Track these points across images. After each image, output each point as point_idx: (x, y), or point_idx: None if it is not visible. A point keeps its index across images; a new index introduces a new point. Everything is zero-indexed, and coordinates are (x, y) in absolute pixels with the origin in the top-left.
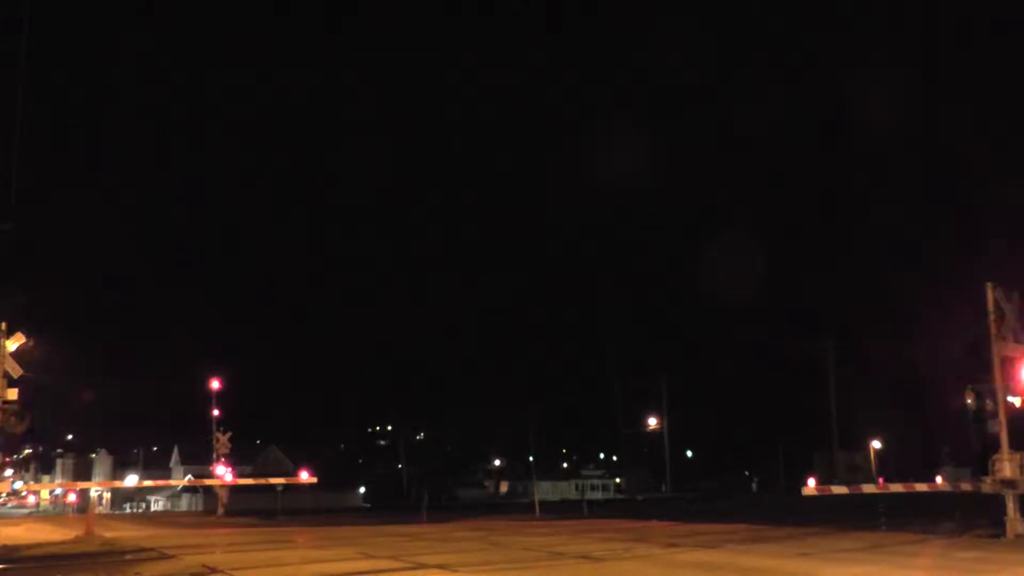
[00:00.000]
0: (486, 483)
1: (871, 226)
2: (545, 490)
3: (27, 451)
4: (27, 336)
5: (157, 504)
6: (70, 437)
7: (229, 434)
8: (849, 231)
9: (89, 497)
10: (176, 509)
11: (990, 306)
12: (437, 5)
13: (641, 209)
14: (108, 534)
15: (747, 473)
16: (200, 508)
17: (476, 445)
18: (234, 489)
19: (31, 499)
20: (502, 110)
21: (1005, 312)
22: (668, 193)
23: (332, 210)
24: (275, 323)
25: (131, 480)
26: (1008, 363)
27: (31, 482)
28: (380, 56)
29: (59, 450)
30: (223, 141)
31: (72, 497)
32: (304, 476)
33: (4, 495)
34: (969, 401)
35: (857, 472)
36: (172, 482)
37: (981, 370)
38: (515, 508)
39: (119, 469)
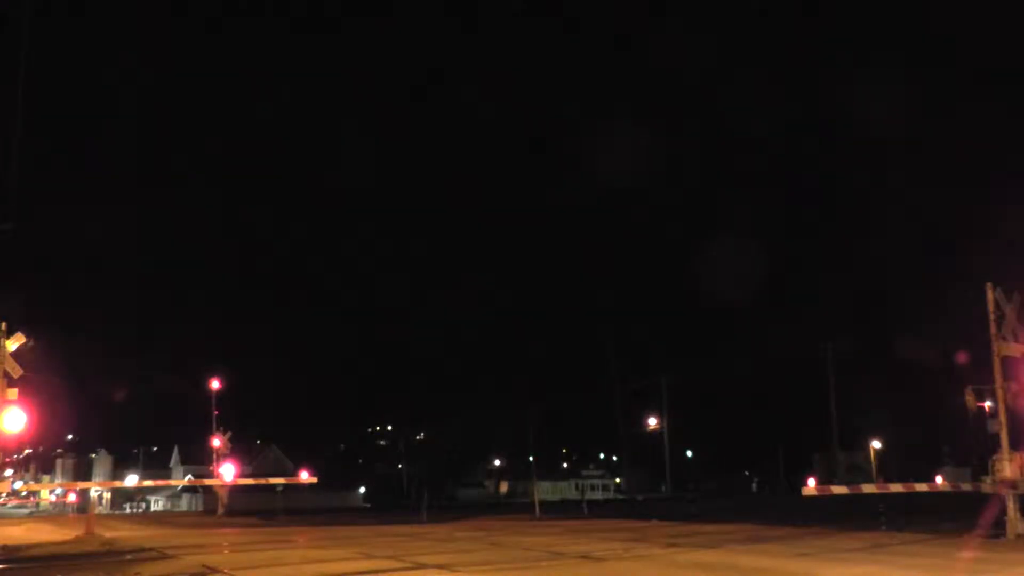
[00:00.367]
0: (486, 483)
1: (871, 226)
2: (545, 490)
3: (27, 451)
4: (27, 336)
5: (157, 504)
6: (70, 437)
7: (229, 434)
8: (849, 231)
9: (89, 497)
10: (176, 509)
11: (990, 306)
12: (437, 5)
13: (641, 209)
14: (108, 534)
15: (747, 473)
16: (200, 508)
17: (476, 445)
18: (234, 489)
19: (31, 499)
20: (502, 110)
21: (1005, 312)
22: (668, 193)
23: (332, 210)
24: (275, 323)
25: (131, 480)
26: (1008, 363)
27: (31, 482)
28: (380, 56)
29: (59, 450)
30: (223, 141)
31: (72, 497)
32: (304, 476)
33: (4, 495)
34: (969, 401)
35: (857, 472)
36: (172, 482)
37: (981, 370)
38: (515, 508)
39: (119, 469)
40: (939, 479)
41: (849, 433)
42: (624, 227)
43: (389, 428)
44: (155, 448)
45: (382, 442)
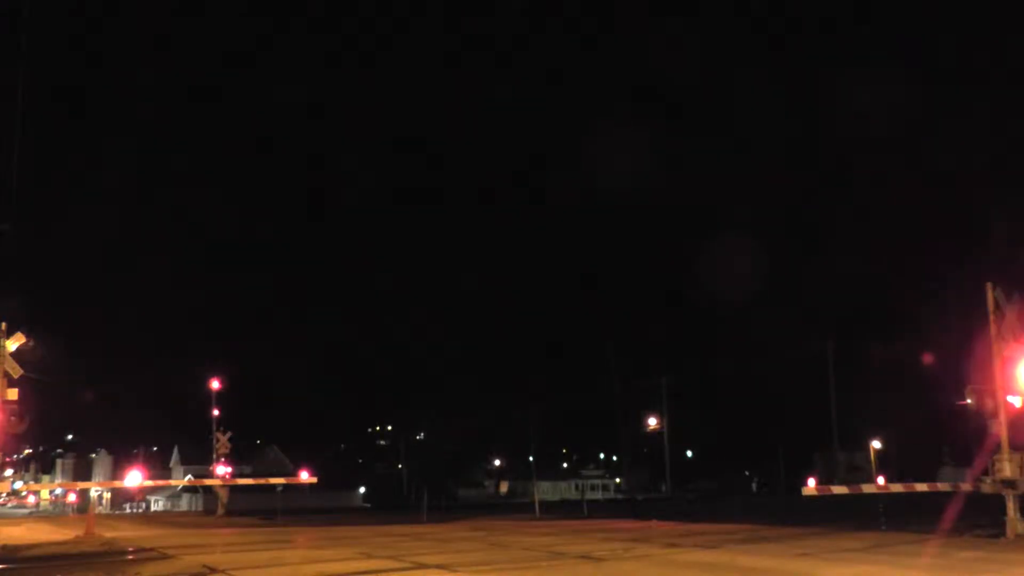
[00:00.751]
0: (486, 483)
1: (871, 226)
2: (545, 490)
3: (27, 451)
4: (27, 336)
5: (157, 504)
6: (70, 437)
7: (229, 434)
8: (849, 231)
9: (89, 497)
10: (176, 509)
11: (990, 306)
12: (437, 5)
13: (641, 209)
14: (108, 534)
15: (747, 473)
16: (200, 508)
17: (476, 445)
18: (234, 489)
19: (31, 499)
20: (502, 110)
21: (1005, 312)
22: (668, 193)
23: (332, 210)
24: (275, 323)
25: (131, 480)
26: (1008, 363)
27: (31, 482)
28: (380, 57)
29: (59, 450)
30: (224, 141)
31: (72, 497)
32: (304, 476)
33: (4, 495)
34: (969, 401)
35: (857, 472)
36: (172, 482)
37: (981, 370)
38: (515, 508)
39: (119, 469)
40: (940, 479)
41: (849, 433)
42: (624, 227)
43: (389, 428)
44: (155, 448)
45: (382, 442)
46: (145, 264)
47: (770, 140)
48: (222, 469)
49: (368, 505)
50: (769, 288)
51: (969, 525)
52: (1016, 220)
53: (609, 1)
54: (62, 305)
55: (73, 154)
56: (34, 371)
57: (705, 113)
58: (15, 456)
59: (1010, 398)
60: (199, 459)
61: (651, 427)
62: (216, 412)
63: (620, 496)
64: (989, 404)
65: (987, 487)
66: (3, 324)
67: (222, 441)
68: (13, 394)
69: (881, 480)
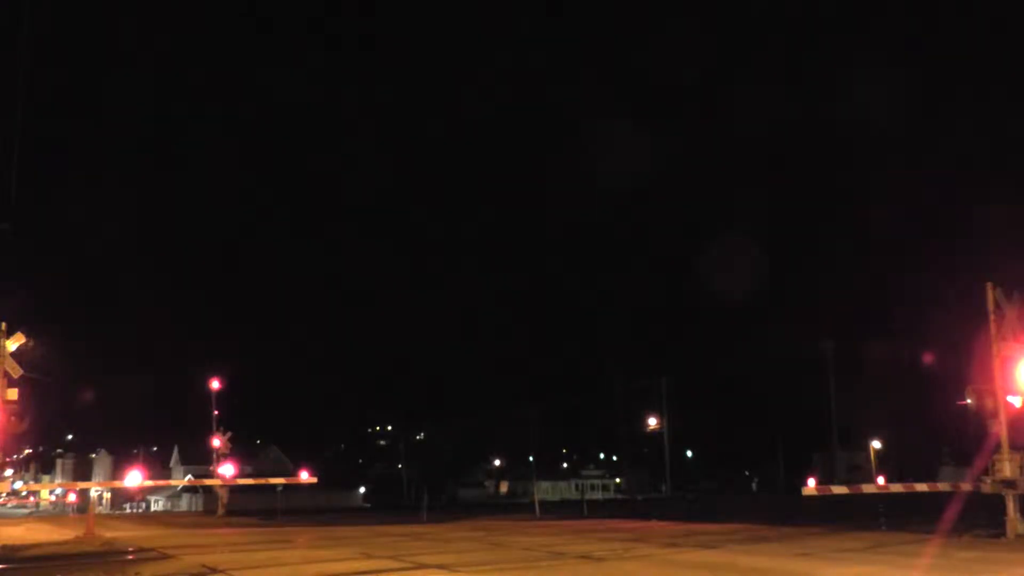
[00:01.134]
0: (486, 483)
1: (871, 226)
2: (545, 490)
3: (27, 451)
4: (27, 336)
5: (157, 504)
6: (70, 437)
7: (229, 434)
8: (849, 231)
9: (89, 497)
10: (176, 509)
11: (990, 306)
12: (437, 5)
13: (641, 209)
14: (108, 534)
15: (747, 473)
16: (200, 508)
17: (476, 445)
18: (234, 489)
19: (31, 499)
20: (502, 110)
21: (1005, 312)
22: (668, 193)
23: (332, 210)
24: (275, 323)
25: (131, 480)
26: (1008, 363)
27: (31, 482)
28: (380, 57)
29: (59, 450)
30: (224, 141)
31: (72, 497)
32: (304, 476)
33: (4, 495)
34: (969, 401)
35: (857, 472)
36: (172, 482)
37: (981, 370)
38: (515, 508)
39: (119, 469)
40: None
41: (849, 433)
42: (624, 227)
43: (389, 428)
44: (155, 448)
45: (382, 442)
46: (145, 264)
47: (770, 140)
48: (223, 469)
49: (368, 505)
50: (769, 288)
51: (969, 525)
52: (1016, 220)
53: (609, 1)
54: (62, 305)
55: (73, 154)
56: (34, 371)
57: (705, 113)
58: (15, 456)
59: (1010, 398)
60: (199, 459)
61: (651, 427)
62: (216, 412)
63: (620, 496)
64: (989, 404)
65: (987, 487)
66: (3, 324)
67: (222, 441)
68: (13, 394)
69: (881, 480)
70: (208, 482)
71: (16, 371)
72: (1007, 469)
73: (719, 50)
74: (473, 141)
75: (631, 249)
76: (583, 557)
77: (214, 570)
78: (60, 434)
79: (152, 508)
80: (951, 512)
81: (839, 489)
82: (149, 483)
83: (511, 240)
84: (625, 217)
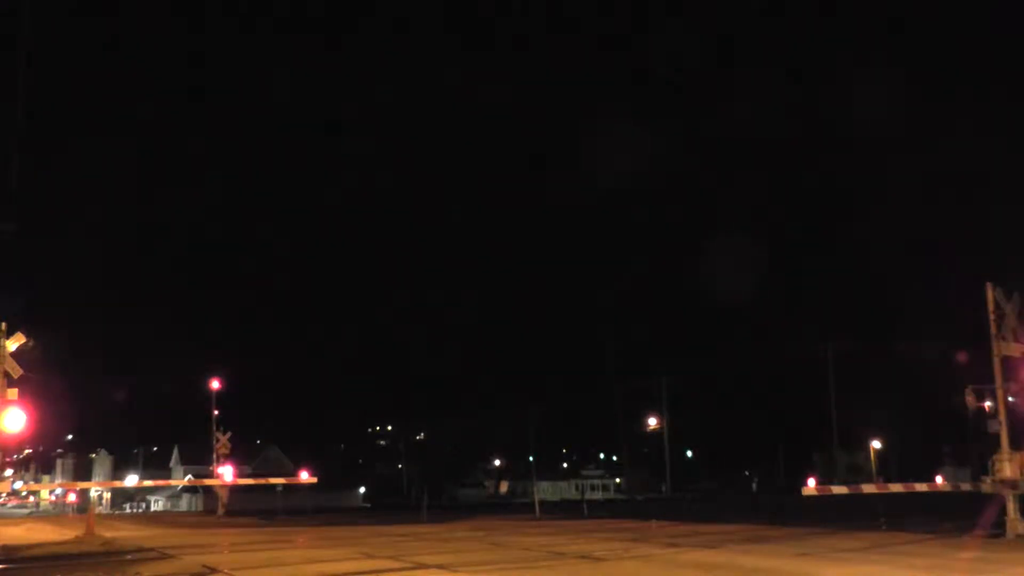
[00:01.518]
0: (486, 483)
1: (871, 226)
2: (545, 490)
3: (27, 451)
4: (27, 336)
5: (157, 504)
6: (70, 437)
7: (229, 434)
8: (849, 231)
9: (89, 497)
10: (176, 509)
11: (990, 306)
12: (437, 5)
13: (641, 209)
14: (108, 534)
15: (747, 473)
16: (200, 508)
17: (476, 445)
18: (234, 489)
19: (31, 499)
20: (501, 110)
21: (1005, 312)
22: (668, 193)
23: (332, 210)
24: (275, 323)
25: (131, 480)
26: (1008, 363)
27: (31, 482)
28: (379, 57)
29: (59, 450)
30: (223, 141)
31: (72, 497)
32: (304, 476)
33: (4, 495)
34: (969, 401)
35: (857, 472)
36: (172, 482)
37: (981, 370)
38: (515, 508)
39: (119, 469)
40: (939, 479)
41: (849, 433)
42: (624, 227)
43: (389, 428)
44: (155, 448)
45: (382, 442)
46: (145, 264)
47: (770, 139)
48: (223, 469)
49: (368, 505)
50: (769, 288)
51: (969, 525)
52: (1016, 220)
53: (609, 1)
54: (62, 305)
55: (73, 154)
56: (34, 371)
57: (705, 112)
58: (15, 456)
59: (1010, 398)
60: (199, 459)
61: (651, 427)
62: (216, 412)
63: (620, 496)
64: (989, 404)
65: (987, 487)
66: (3, 324)
67: (222, 441)
68: (13, 394)
69: (881, 480)
70: (208, 482)
71: (16, 371)
72: (1007, 469)
73: (719, 50)
74: (472, 140)
75: (631, 249)
76: (583, 557)
77: (214, 570)
78: (60, 434)
79: (152, 508)
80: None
81: (839, 489)
82: (149, 483)
83: (510, 240)
84: (625, 216)
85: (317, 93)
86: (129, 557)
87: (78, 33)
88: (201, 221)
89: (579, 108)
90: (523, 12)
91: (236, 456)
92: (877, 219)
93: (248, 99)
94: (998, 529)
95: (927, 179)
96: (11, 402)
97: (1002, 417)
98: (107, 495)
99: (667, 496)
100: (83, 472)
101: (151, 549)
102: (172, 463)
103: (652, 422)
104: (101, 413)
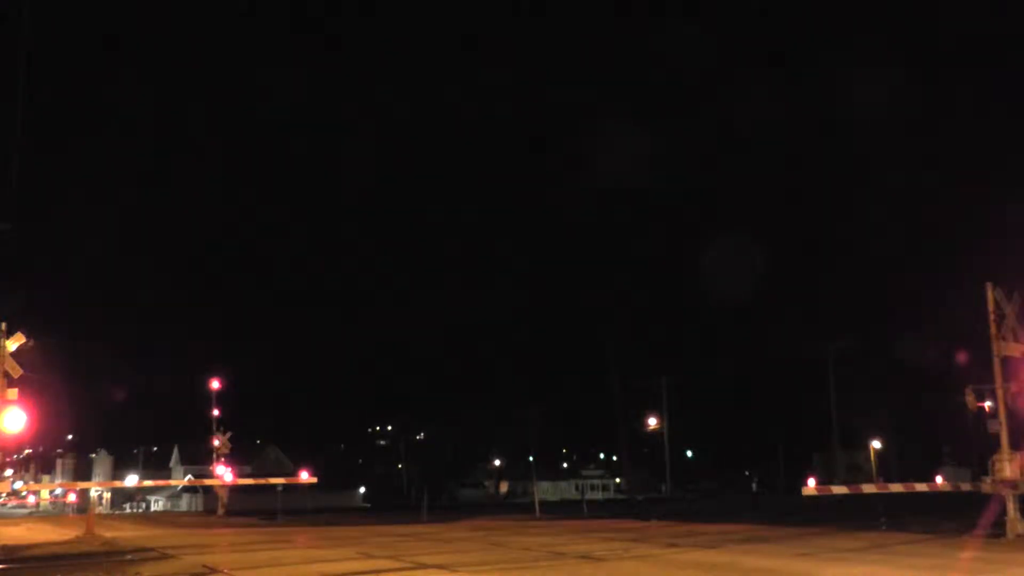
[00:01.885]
0: (486, 483)
1: (871, 226)
2: (545, 490)
3: (27, 451)
4: (27, 336)
5: (157, 504)
6: (70, 437)
7: (229, 434)
8: (849, 231)
9: (89, 497)
10: (176, 509)
11: (990, 306)
12: (437, 5)
13: (641, 209)
14: (108, 534)
15: (747, 473)
16: (200, 508)
17: (476, 445)
18: (234, 489)
19: (31, 499)
20: (501, 110)
21: (1005, 312)
22: (668, 193)
23: (332, 210)
24: (275, 323)
25: (131, 480)
26: (1008, 363)
27: (31, 482)
28: (379, 56)
29: (59, 450)
30: (223, 141)
31: (72, 497)
32: (304, 476)
33: (4, 495)
34: (969, 401)
35: (857, 472)
36: (172, 482)
37: (981, 370)
38: (515, 508)
39: (119, 469)
40: (939, 479)
41: (849, 433)
42: (624, 227)
43: (389, 428)
44: (155, 448)
45: (382, 442)
46: (145, 264)
47: (770, 140)
48: (222, 469)
49: (368, 505)
50: (769, 288)
51: (969, 525)
52: (1016, 220)
53: (609, 1)
54: (62, 305)
55: (74, 153)
56: (34, 371)
57: (705, 112)
58: (15, 456)
59: (1010, 398)
60: (199, 459)
61: (651, 427)
62: (216, 412)
63: (620, 496)
64: (989, 404)
65: (987, 487)
66: (3, 324)
67: (222, 441)
68: (13, 394)
69: (881, 480)
70: (208, 482)
71: (16, 371)
72: (1007, 469)
73: (719, 50)
74: (471, 140)
75: (631, 248)
76: (583, 557)
77: (214, 570)
78: (60, 434)
79: (152, 508)
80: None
81: (839, 489)
82: (149, 483)
83: (510, 239)
84: (624, 217)
85: (318, 92)
86: (129, 557)
87: (78, 33)
88: (201, 220)
89: (580, 108)
90: (523, 11)
91: (236, 456)
92: (877, 219)
93: (249, 99)
94: (998, 529)
95: (927, 179)
96: (11, 402)
97: (1002, 417)
98: (107, 495)
99: (667, 496)
100: (83, 472)
101: (151, 549)
102: (172, 463)
103: (652, 422)
104: (101, 413)
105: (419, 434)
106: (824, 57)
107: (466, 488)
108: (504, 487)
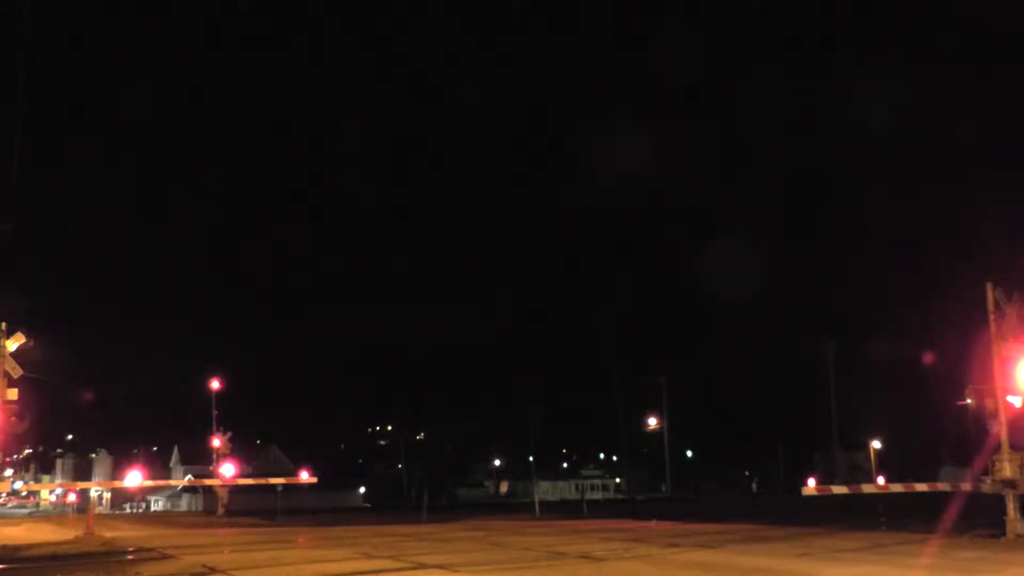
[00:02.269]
0: (486, 483)
1: (871, 226)
2: (545, 490)
3: (27, 451)
4: (27, 336)
5: (157, 504)
6: (70, 437)
7: (229, 434)
8: (849, 231)
9: (89, 497)
10: (176, 509)
11: (990, 306)
12: (437, 5)
13: (641, 209)
14: (108, 534)
15: (747, 473)
16: (200, 508)
17: (476, 445)
18: (234, 489)
19: (31, 499)
20: (502, 110)
21: (1005, 312)
22: (668, 193)
23: (332, 210)
24: (275, 323)
25: (131, 480)
26: (1008, 363)
27: (31, 482)
28: (379, 56)
29: (59, 450)
30: (223, 141)
31: (72, 497)
32: (304, 476)
33: (4, 495)
34: (969, 401)
35: (857, 472)
36: (172, 482)
37: (981, 370)
38: (515, 508)
39: (119, 469)
40: (940, 479)
41: (849, 433)
42: (624, 227)
43: (389, 428)
44: (155, 448)
45: (382, 442)
46: (145, 264)
47: (770, 139)
48: (223, 469)
49: (368, 505)
50: (769, 287)
51: (969, 525)
52: (1016, 220)
53: (610, 1)
54: (62, 305)
55: (73, 154)
56: (34, 371)
57: (706, 113)
58: (15, 456)
59: (1010, 398)
60: (199, 459)
61: (651, 427)
62: (216, 412)
63: (620, 496)
64: (989, 404)
65: (987, 487)
66: (3, 324)
67: (222, 441)
68: (13, 394)
69: (881, 480)
70: (208, 482)
71: (16, 371)
72: (1007, 469)
73: (719, 50)
74: (472, 140)
75: (631, 248)
76: (583, 557)
77: (214, 570)
78: (60, 434)
79: (152, 508)
80: (951, 512)
81: (839, 489)
82: (149, 483)
83: (511, 239)
84: (625, 217)
85: (318, 94)
86: (129, 557)
87: (78, 32)
88: (201, 221)
89: (580, 108)
90: (525, 12)
91: (236, 456)
92: (877, 219)
93: (248, 99)
94: (998, 529)
95: (927, 179)
96: (11, 402)
97: (1002, 417)
98: (107, 495)
99: (667, 496)
100: (83, 472)
101: (151, 549)
102: (172, 463)
103: (652, 422)
104: (101, 413)
105: (419, 434)
106: (824, 57)
107: (466, 488)
108: (504, 487)
